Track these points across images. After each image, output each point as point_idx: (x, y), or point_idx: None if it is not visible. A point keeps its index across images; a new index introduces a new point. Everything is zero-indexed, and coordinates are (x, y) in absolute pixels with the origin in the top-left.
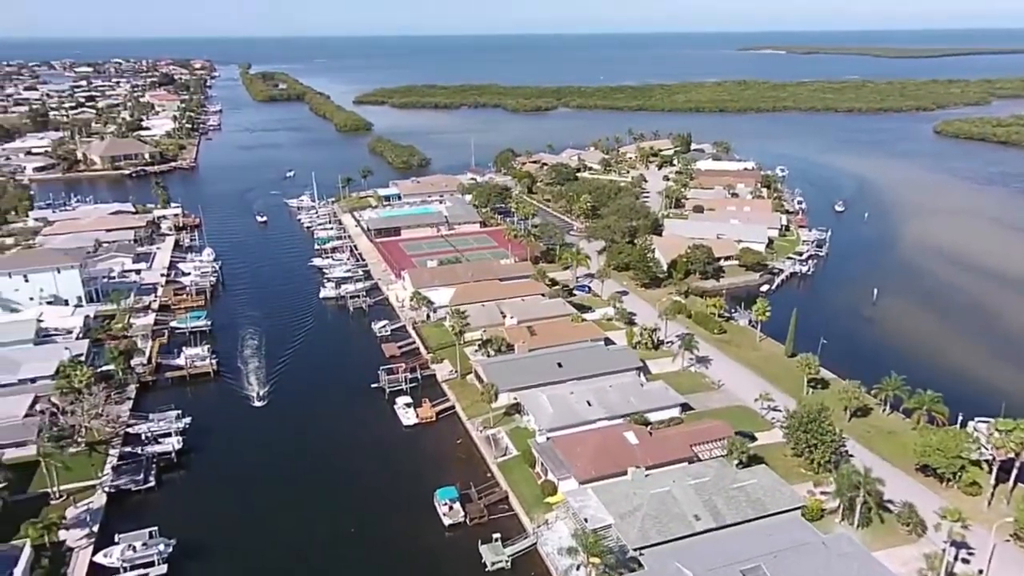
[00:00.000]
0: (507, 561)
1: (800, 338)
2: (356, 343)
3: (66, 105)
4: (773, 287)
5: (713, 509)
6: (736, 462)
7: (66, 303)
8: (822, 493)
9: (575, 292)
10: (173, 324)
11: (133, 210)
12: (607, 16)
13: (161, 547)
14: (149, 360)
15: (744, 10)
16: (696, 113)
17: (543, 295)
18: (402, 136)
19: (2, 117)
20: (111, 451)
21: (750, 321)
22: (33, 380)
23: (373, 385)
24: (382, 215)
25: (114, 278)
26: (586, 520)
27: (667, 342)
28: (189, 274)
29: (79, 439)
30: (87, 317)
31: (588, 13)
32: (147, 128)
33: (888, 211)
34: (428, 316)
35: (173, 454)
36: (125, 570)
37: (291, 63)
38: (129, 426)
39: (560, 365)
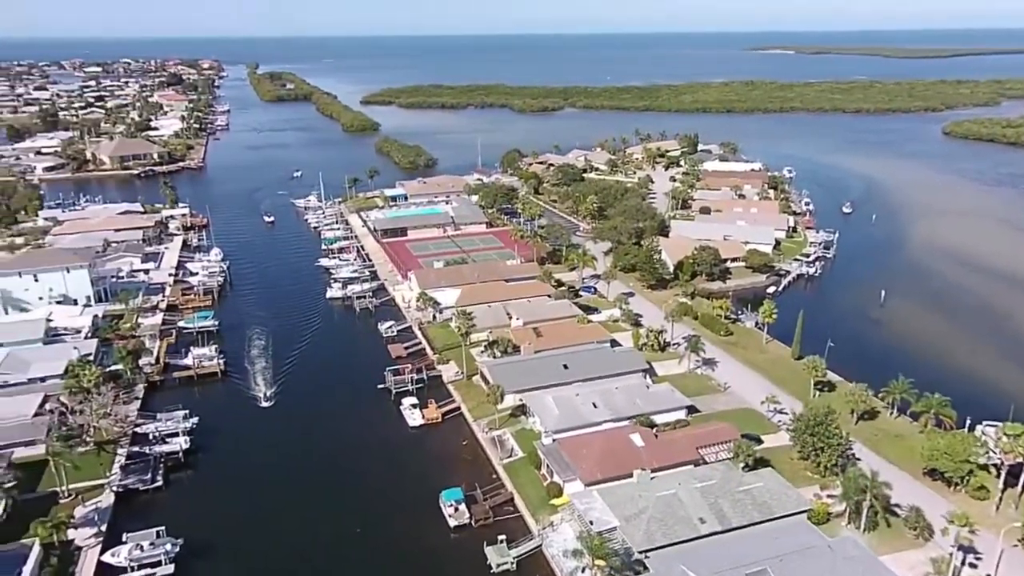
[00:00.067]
0: (512, 563)
1: (807, 340)
2: (362, 344)
3: (75, 105)
4: (780, 289)
5: (719, 512)
6: (742, 465)
7: (75, 303)
8: (828, 496)
9: (581, 293)
10: (181, 324)
11: (141, 210)
12: (607, 16)
13: (168, 547)
14: (157, 360)
15: (744, 10)
16: (703, 114)
17: (549, 296)
18: (409, 136)
19: (13, 117)
20: (119, 450)
21: (757, 323)
22: (42, 379)
23: (379, 386)
24: (389, 215)
25: (122, 278)
26: (591, 522)
27: (673, 344)
28: (197, 274)
29: (88, 438)
30: (96, 317)
31: (588, 13)
32: (155, 128)
33: (896, 212)
34: (434, 317)
35: (180, 454)
36: (132, 569)
37: (298, 63)
38: (137, 426)
39: (566, 367)
